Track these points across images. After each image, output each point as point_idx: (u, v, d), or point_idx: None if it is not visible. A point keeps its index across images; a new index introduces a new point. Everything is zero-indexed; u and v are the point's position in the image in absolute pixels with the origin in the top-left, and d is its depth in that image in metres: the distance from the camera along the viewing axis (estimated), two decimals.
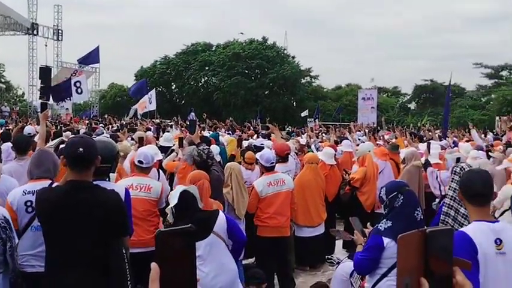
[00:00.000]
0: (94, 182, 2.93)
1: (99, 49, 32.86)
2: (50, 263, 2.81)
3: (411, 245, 0.96)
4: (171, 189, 4.55)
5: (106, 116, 27.65)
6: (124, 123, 19.68)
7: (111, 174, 4.69)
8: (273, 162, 5.81)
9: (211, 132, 11.83)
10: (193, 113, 26.31)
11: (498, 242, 2.54)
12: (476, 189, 2.66)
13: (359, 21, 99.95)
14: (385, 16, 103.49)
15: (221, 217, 3.71)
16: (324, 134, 15.77)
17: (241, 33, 52.16)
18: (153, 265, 0.96)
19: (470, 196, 2.69)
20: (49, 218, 2.82)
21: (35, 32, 32.04)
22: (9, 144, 6.77)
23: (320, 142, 10.04)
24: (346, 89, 51.46)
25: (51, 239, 2.84)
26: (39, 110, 22.54)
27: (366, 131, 14.51)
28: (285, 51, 50.03)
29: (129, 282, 2.86)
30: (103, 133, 10.58)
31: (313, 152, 8.27)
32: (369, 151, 7.64)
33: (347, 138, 10.73)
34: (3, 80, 46.94)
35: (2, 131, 11.48)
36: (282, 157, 6.65)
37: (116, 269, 2.76)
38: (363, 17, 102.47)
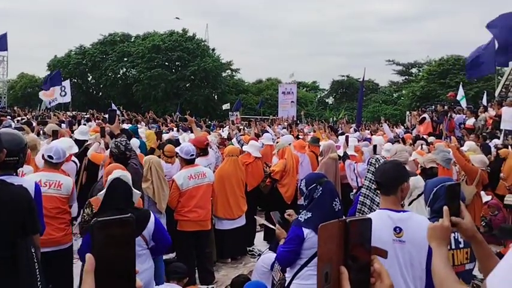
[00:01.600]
0: (0, 177, 2.70)
1: (6, 36, 30.64)
2: None
3: (331, 234, 0.96)
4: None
5: (15, 108, 25.93)
6: (35, 115, 18.54)
7: (27, 168, 4.39)
8: (192, 155, 5.75)
9: (130, 125, 11.46)
10: (113, 105, 25.48)
11: (398, 230, 2.66)
12: (381, 180, 2.80)
13: (281, 17, 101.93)
14: (306, 13, 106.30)
15: (152, 220, 3.63)
16: (245, 128, 15.89)
17: (177, 17, 51.17)
18: (88, 256, 0.88)
19: (378, 185, 2.85)
20: None
21: None
22: None
23: (241, 135, 10.08)
24: (267, 83, 52.24)
25: None
26: None
27: (286, 124, 14.82)
28: (206, 44, 49.74)
29: (39, 283, 2.68)
30: (11, 125, 9.89)
31: (233, 145, 8.29)
32: (289, 144, 7.79)
33: (268, 132, 10.88)
34: None
35: None
36: (202, 149, 6.59)
37: (25, 270, 2.58)
38: (285, 13, 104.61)
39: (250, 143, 7.64)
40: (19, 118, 15.01)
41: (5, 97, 36.39)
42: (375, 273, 1.00)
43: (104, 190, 3.57)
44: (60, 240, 4.29)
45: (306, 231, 3.20)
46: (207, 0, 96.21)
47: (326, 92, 57.73)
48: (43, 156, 4.62)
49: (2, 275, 2.58)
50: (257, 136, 10.06)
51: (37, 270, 2.61)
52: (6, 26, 77.83)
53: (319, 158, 7.44)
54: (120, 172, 3.73)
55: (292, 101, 40.25)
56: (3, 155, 2.67)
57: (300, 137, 10.93)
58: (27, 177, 3.93)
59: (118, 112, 14.15)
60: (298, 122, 20.66)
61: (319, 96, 57.59)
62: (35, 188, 3.16)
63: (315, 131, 12.27)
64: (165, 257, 5.38)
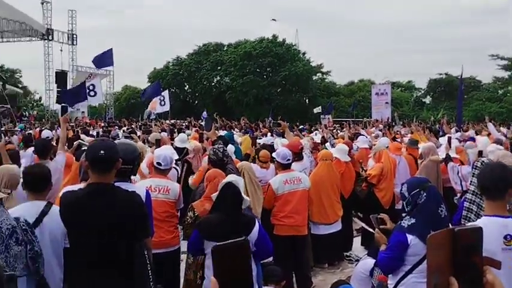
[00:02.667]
0: (116, 184, 2.95)
1: (112, 52, 33.05)
2: (73, 264, 2.85)
3: (440, 243, 0.95)
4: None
5: (121, 118, 27.90)
6: (138, 124, 19.80)
7: (133, 177, 4.74)
8: (289, 160, 5.80)
9: (225, 132, 11.84)
10: (205, 112, 26.46)
11: (508, 237, 2.49)
12: (487, 183, 2.63)
13: (370, 15, 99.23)
14: (396, 10, 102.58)
15: (256, 227, 3.73)
16: (338, 131, 15.70)
17: (274, 19, 52.19)
18: (213, 280, 0.98)
19: (482, 190, 2.68)
20: (71, 220, 2.85)
21: (50, 37, 32.39)
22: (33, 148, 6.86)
23: (335, 139, 9.99)
24: (359, 85, 51.14)
25: (74, 240, 2.88)
26: (60, 113, 22.81)
27: (381, 126, 14.41)
28: (296, 48, 49.89)
29: (151, 284, 2.88)
30: (118, 135, 10.67)
31: (327, 149, 8.23)
32: (386, 147, 7.57)
33: (362, 135, 10.66)
34: (20, 86, 47.56)
35: (23, 136, 11.61)
36: (296, 154, 6.62)
37: (139, 271, 2.78)
38: (373, 11, 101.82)
39: (337, 147, 7.46)
40: (125, 128, 16.14)
41: (111, 108, 39.25)
42: (487, 285, 0.97)
43: (216, 193, 3.74)
44: (170, 242, 4.58)
45: (410, 237, 3.11)
46: (295, 5, 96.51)
47: (423, 91, 55.23)
48: (151, 163, 4.95)
49: (118, 276, 2.78)
50: (351, 139, 9.90)
51: (150, 272, 2.80)
52: (111, 42, 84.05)
53: (419, 161, 7.16)
54: (233, 177, 3.90)
55: (386, 102, 39.04)
56: (119, 164, 2.89)
57: (397, 139, 10.59)
58: (139, 184, 4.24)
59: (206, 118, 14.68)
60: (393, 123, 19.98)
61: (415, 95, 55.20)
62: (146, 194, 3.41)
63: (412, 133, 11.79)
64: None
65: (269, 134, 13.44)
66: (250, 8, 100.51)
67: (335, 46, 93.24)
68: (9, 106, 27.32)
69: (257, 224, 3.76)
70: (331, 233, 6.57)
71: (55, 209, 3.34)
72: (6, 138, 10.15)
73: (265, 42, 47.63)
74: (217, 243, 1.00)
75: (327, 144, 9.31)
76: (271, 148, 7.62)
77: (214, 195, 3.84)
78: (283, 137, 10.03)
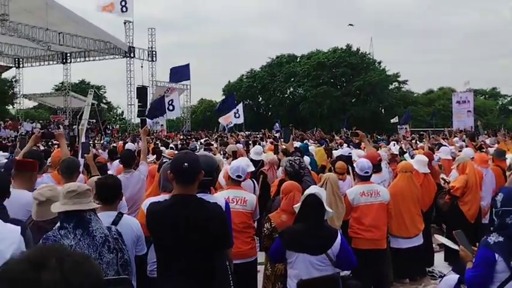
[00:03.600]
0: (198, 195, 3.04)
1: (189, 67, 34.36)
2: (160, 271, 2.97)
3: None
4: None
5: (198, 131, 28.76)
6: (215, 137, 20.30)
7: None
8: (367, 172, 5.67)
9: (299, 143, 11.82)
10: (277, 124, 26.62)
11: None
12: None
13: (447, 20, 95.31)
14: (473, 15, 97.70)
15: (338, 241, 3.71)
16: (417, 141, 15.13)
17: (351, 24, 51.98)
18: None
19: None
20: (157, 229, 2.98)
21: (132, 55, 34.21)
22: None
23: (414, 150, 9.64)
24: (439, 93, 49.18)
25: (160, 249, 3.00)
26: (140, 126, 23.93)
27: (464, 136, 13.71)
28: (371, 58, 48.96)
29: None
30: (196, 147, 11.00)
31: (406, 160, 7.95)
32: (471, 158, 7.18)
33: (443, 145, 10.20)
34: (104, 101, 50.61)
35: (110, 148, 12.31)
36: (374, 165, 6.47)
37: (221, 281, 2.83)
38: (450, 16, 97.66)
39: (416, 159, 7.20)
40: (202, 140, 16.61)
41: (188, 121, 40.61)
42: None
43: (299, 204, 3.77)
44: (247, 253, 4.63)
45: (496, 254, 2.93)
46: (370, 13, 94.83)
47: (509, 99, 51.97)
48: (227, 174, 5.06)
49: (202, 284, 2.84)
50: (431, 150, 9.50)
51: (231, 282, 2.86)
52: (188, 56, 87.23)
53: (507, 173, 6.72)
54: (315, 188, 3.91)
55: (468, 111, 37.14)
56: (202, 176, 2.98)
57: (482, 149, 10.02)
58: (218, 195, 4.34)
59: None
60: (477, 133, 18.93)
61: (500, 103, 52.07)
62: (225, 205, 3.49)
63: (499, 143, 11.11)
64: (341, 273, 5.40)
65: (344, 145, 13.25)
66: (322, 19, 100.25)
67: (412, 53, 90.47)
68: (94, 120, 29.13)
69: (339, 237, 3.73)
70: (411, 247, 6.32)
71: (126, 218, 3.51)
72: (95, 151, 10.81)
73: (339, 52, 47.21)
74: (303, 279, 0.99)
75: (406, 155, 9.00)
76: (348, 159, 7.50)
77: (296, 206, 3.86)
78: (359, 148, 9.84)
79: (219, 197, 3.72)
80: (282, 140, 10.49)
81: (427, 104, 46.86)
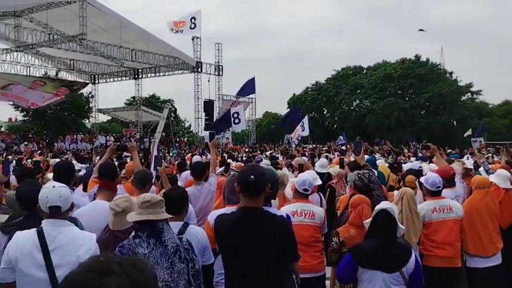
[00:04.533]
0: (265, 208, 3.07)
1: (254, 80, 34.82)
2: (227, 283, 3.02)
3: None
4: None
5: (263, 143, 28.98)
6: (280, 149, 20.38)
7: (272, 201, 4.89)
8: (439, 187, 5.46)
9: (367, 156, 11.58)
10: (342, 137, 26.28)
11: None
12: None
13: None
14: None
15: (413, 258, 3.61)
16: (494, 156, 14.35)
17: (421, 29, 51.01)
18: None
19: None
20: (224, 241, 3.03)
21: (199, 70, 35.19)
22: (187, 172, 7.46)
23: (490, 164, 9.15)
24: None
25: (227, 261, 3.05)
26: (207, 140, 24.56)
27: None
28: (442, 68, 47.25)
29: None
30: (262, 160, 11.08)
31: (480, 175, 7.55)
32: None
33: None
34: (172, 115, 52.29)
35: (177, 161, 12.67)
36: (447, 180, 6.20)
37: None
38: None
39: (496, 173, 6.80)
40: (267, 153, 16.71)
41: (253, 134, 41.03)
42: None
43: (369, 220, 3.70)
44: (316, 267, 4.59)
45: None
46: (438, 22, 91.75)
47: None
48: (294, 187, 5.06)
49: None
50: (509, 164, 8.97)
51: None
52: (253, 70, 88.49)
53: None
54: (387, 204, 3.84)
55: None
56: (268, 188, 3.01)
57: None
58: (285, 208, 4.36)
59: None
60: None
61: None
62: (287, 218, 3.48)
63: None
64: None
65: (413, 158, 12.83)
66: (389, 29, 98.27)
67: (488, 62, 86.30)
68: (164, 133, 30.14)
69: (413, 254, 3.60)
70: (489, 267, 5.97)
71: (191, 228, 3.59)
72: (165, 163, 11.18)
73: (407, 63, 46.01)
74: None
75: (481, 169, 8.55)
76: (418, 174, 7.25)
77: (366, 222, 3.78)
78: (430, 161, 9.48)
79: (285, 210, 3.73)
80: (352, 152, 10.33)
81: (503, 116, 44.41)
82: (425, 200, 5.62)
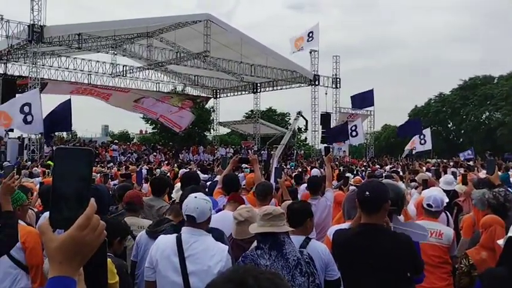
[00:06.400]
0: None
1: (373, 92, 34.00)
2: None
3: None
4: None
5: (382, 157, 28.11)
6: (402, 164, 19.57)
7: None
8: None
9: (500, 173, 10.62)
10: (470, 151, 24.43)
11: None
12: None
13: None
14: None
15: None
16: None
17: None
18: None
19: None
20: (343, 258, 3.00)
21: (316, 83, 35.29)
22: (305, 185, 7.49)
23: None
24: None
25: (347, 277, 3.02)
26: (323, 153, 24.50)
27: None
28: None
29: None
30: (381, 174, 10.73)
31: None
32: None
33: None
34: (288, 127, 52.85)
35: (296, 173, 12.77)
36: None
37: None
38: None
39: None
40: (387, 167, 16.14)
41: (372, 147, 39.94)
42: None
43: (502, 241, 3.38)
44: None
45: None
46: None
47: None
48: (420, 204, 4.81)
49: None
50: None
51: None
52: (372, 82, 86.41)
53: None
54: None
55: None
56: (388, 205, 2.90)
57: None
58: None
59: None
60: None
61: None
62: None
63: None
64: None
65: None
66: None
67: None
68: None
69: None
70: None
71: (313, 243, 3.53)
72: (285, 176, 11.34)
73: None
74: None
75: None
76: None
77: (500, 242, 3.44)
78: None
79: None
80: (481, 168, 9.56)
81: None
82: None
